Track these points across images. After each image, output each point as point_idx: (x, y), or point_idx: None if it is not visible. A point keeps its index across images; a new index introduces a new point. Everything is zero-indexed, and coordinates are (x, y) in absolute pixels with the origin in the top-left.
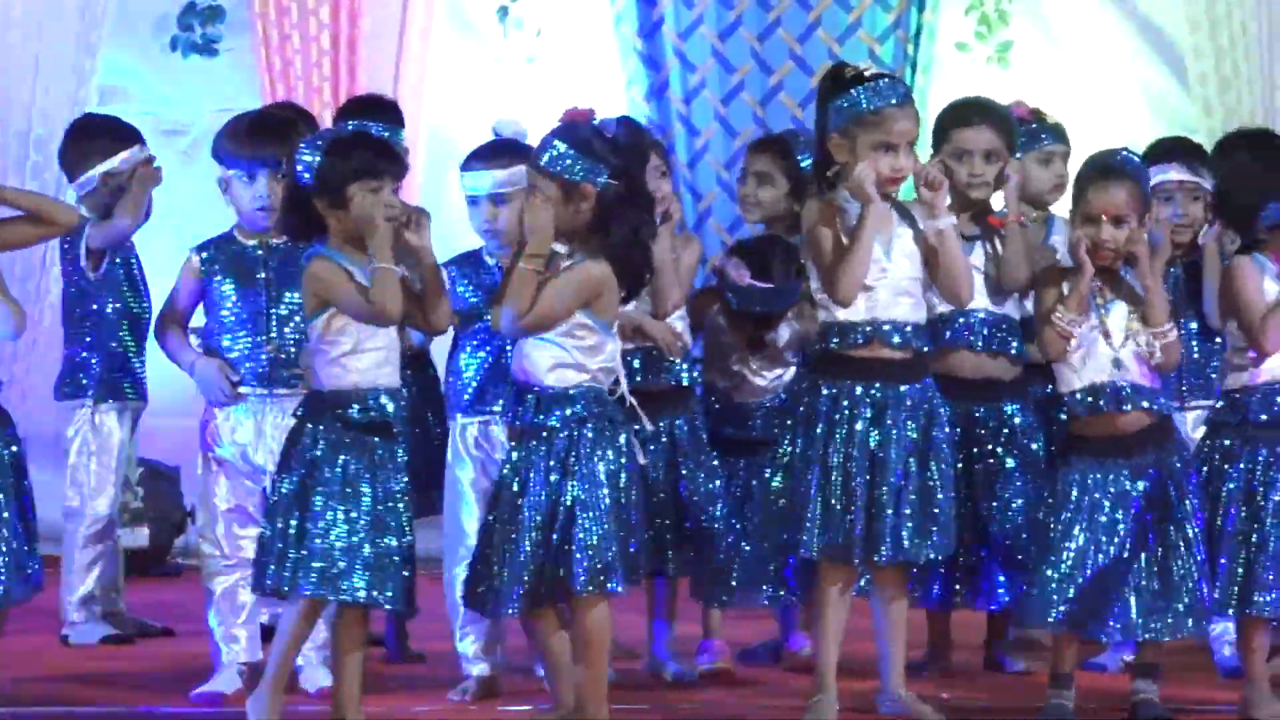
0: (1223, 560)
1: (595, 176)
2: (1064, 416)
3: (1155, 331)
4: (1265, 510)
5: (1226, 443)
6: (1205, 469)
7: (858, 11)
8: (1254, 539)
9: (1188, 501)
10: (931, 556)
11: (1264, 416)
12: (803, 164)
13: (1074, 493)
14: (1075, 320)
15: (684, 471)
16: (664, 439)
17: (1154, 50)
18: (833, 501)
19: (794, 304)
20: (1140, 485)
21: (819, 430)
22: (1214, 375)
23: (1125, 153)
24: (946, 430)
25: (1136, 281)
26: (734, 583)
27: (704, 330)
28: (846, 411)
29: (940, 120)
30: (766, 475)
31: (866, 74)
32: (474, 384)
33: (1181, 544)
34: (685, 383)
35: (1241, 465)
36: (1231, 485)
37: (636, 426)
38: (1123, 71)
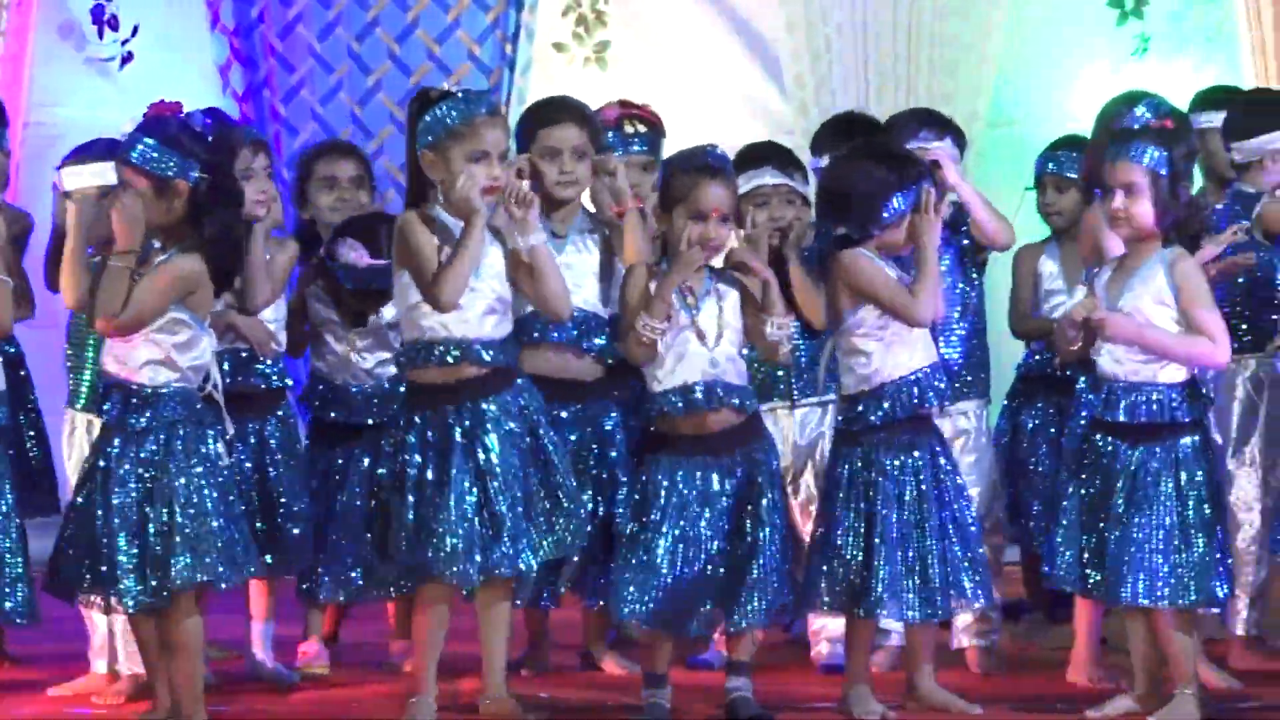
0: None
1: (188, 172)
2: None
3: (778, 321)
4: (875, 512)
5: (853, 446)
6: (837, 469)
7: (456, 11)
8: (872, 540)
9: (766, 498)
10: (535, 560)
11: (893, 413)
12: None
13: (662, 492)
14: (657, 327)
15: (273, 473)
16: (254, 440)
17: (751, 51)
18: (432, 522)
19: None
20: (728, 484)
21: (413, 445)
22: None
23: (717, 149)
24: (550, 432)
25: (727, 281)
26: (335, 580)
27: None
28: (436, 428)
29: (526, 120)
30: (365, 464)
31: (455, 91)
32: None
33: (764, 540)
34: (275, 384)
35: (860, 466)
36: (865, 486)
37: (221, 427)
38: (720, 73)
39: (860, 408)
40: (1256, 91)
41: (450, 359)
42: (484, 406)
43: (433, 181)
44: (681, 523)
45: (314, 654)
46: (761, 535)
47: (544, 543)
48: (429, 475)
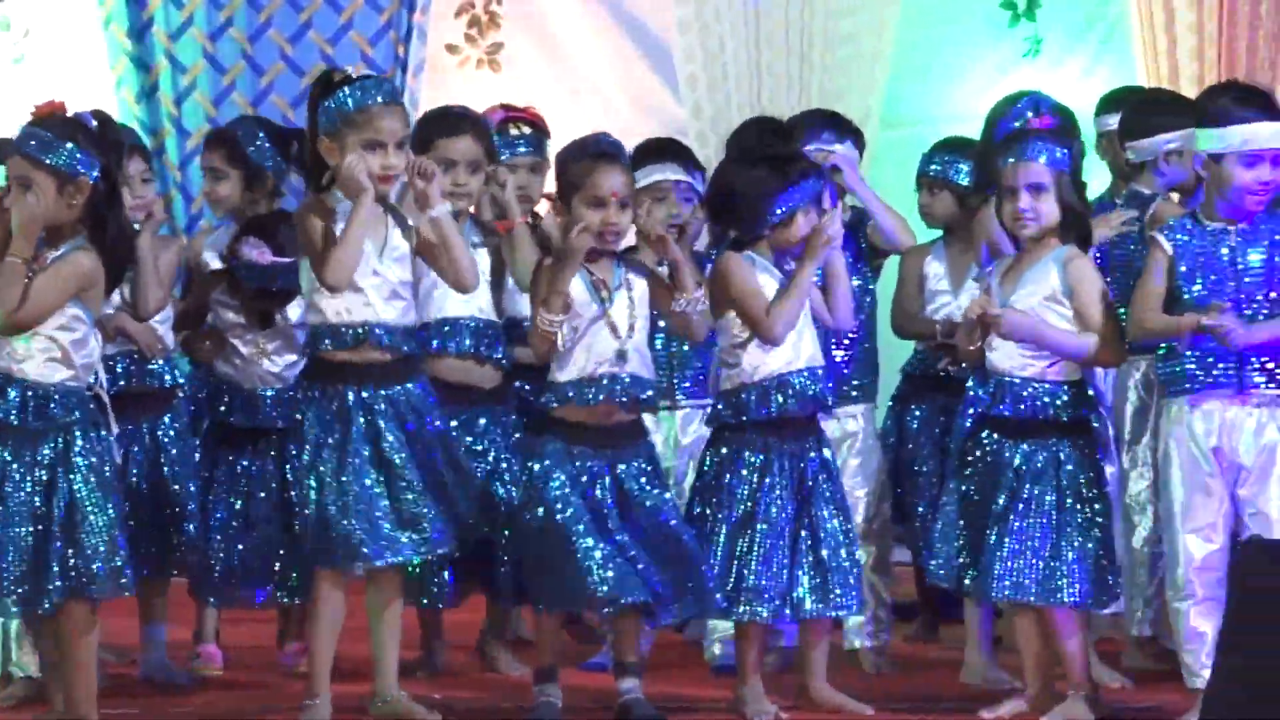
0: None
1: (91, 169)
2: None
3: (689, 297)
4: (756, 515)
5: (731, 445)
6: (710, 469)
7: (349, 12)
8: (745, 541)
9: (649, 494)
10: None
11: (763, 412)
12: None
13: (549, 476)
14: (554, 320)
15: (166, 472)
16: (147, 440)
17: (644, 52)
18: (330, 507)
19: None
20: (607, 478)
21: (321, 430)
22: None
23: (609, 136)
24: (439, 425)
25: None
26: (230, 582)
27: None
28: (335, 410)
29: (424, 128)
30: (271, 467)
31: (354, 76)
32: None
33: (646, 533)
34: (169, 384)
35: (729, 465)
36: (739, 487)
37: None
38: (613, 74)
39: (732, 406)
40: (1151, 91)
41: (351, 341)
42: (384, 393)
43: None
44: (563, 510)
45: (209, 655)
46: (644, 528)
47: (445, 535)
48: (327, 459)
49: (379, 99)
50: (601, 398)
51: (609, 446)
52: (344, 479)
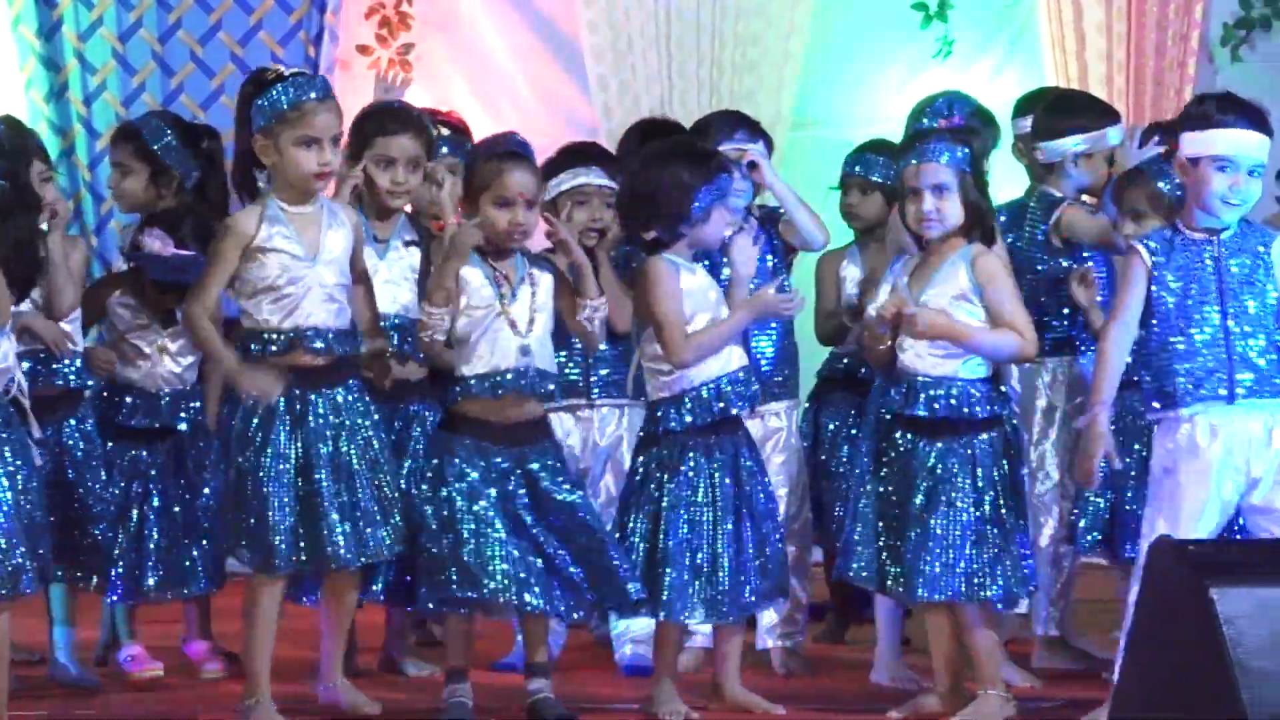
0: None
1: None
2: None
3: (592, 304)
4: (664, 514)
5: (662, 450)
6: (640, 474)
7: (259, 13)
8: (672, 543)
9: (562, 489)
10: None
11: (700, 420)
12: None
13: (461, 473)
14: (433, 312)
15: (72, 475)
16: (53, 442)
17: (554, 53)
18: (267, 512)
19: None
20: (518, 474)
21: (260, 435)
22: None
23: (517, 136)
24: (370, 433)
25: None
26: (150, 580)
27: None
28: (265, 416)
29: (362, 124)
30: (174, 465)
31: (286, 74)
32: None
33: (562, 529)
34: (75, 385)
35: (656, 470)
36: (671, 492)
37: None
38: (524, 74)
39: (661, 414)
40: (1063, 92)
41: (283, 346)
42: (315, 396)
43: (264, 166)
44: (473, 507)
45: (139, 658)
46: (552, 528)
47: (372, 540)
48: (255, 462)
49: (313, 95)
50: (503, 392)
51: (518, 443)
52: (272, 483)
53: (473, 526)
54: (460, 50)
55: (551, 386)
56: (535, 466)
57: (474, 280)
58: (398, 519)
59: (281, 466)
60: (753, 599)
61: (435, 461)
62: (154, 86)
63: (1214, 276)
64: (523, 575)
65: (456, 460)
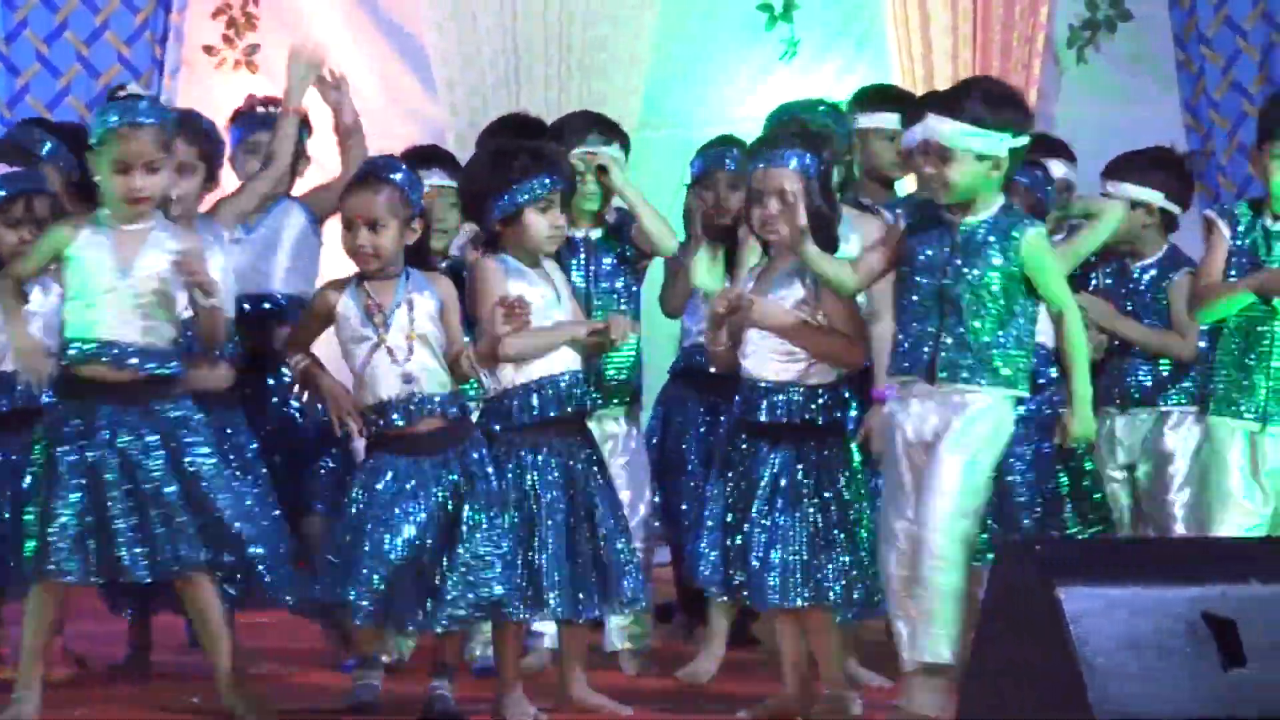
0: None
1: None
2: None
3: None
4: (526, 517)
5: (500, 450)
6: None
7: (105, 14)
8: (518, 544)
9: (480, 496)
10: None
11: (528, 416)
12: None
13: (385, 483)
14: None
15: None
16: None
17: (401, 54)
18: (88, 518)
19: None
20: (447, 478)
21: (61, 443)
22: None
23: (381, 159)
24: (202, 447)
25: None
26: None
27: None
28: (76, 426)
29: None
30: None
31: (120, 94)
32: None
33: (478, 535)
34: None
35: (511, 472)
36: (510, 491)
37: None
38: (371, 76)
39: (498, 412)
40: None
41: (85, 356)
42: (109, 411)
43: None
44: (400, 515)
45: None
46: (471, 531)
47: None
48: (43, 472)
49: (121, 121)
50: (397, 422)
51: (428, 453)
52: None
53: (357, 531)
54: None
55: (443, 407)
56: (454, 471)
57: (345, 312)
58: (226, 530)
59: (66, 475)
60: (591, 600)
61: (353, 473)
62: None
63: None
64: (385, 591)
65: (387, 472)
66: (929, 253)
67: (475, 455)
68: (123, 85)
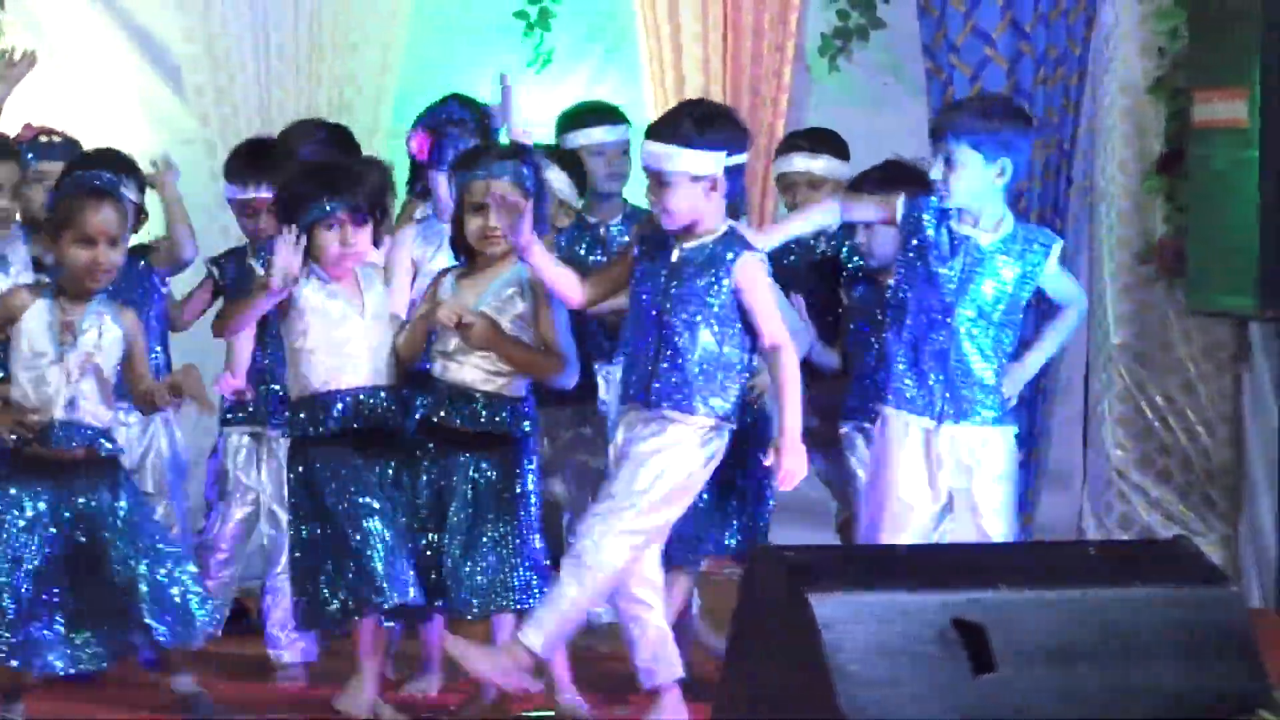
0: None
1: None
2: None
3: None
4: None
5: (296, 455)
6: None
7: None
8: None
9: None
10: None
11: (336, 426)
12: None
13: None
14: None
15: None
16: None
17: (151, 61)
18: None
19: None
20: (73, 508)
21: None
22: None
23: (103, 175)
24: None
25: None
26: None
27: None
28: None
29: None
30: None
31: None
32: None
33: (147, 560)
34: None
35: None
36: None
37: None
38: (120, 81)
39: (290, 415)
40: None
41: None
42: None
43: None
44: (25, 546)
45: None
46: (124, 558)
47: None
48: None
49: None
50: (55, 445)
51: (67, 484)
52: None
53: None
54: (54, 58)
55: (107, 444)
56: (84, 506)
57: (33, 326)
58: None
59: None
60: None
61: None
62: None
63: None
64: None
65: (23, 496)
66: (648, 274)
67: (108, 496)
68: None
